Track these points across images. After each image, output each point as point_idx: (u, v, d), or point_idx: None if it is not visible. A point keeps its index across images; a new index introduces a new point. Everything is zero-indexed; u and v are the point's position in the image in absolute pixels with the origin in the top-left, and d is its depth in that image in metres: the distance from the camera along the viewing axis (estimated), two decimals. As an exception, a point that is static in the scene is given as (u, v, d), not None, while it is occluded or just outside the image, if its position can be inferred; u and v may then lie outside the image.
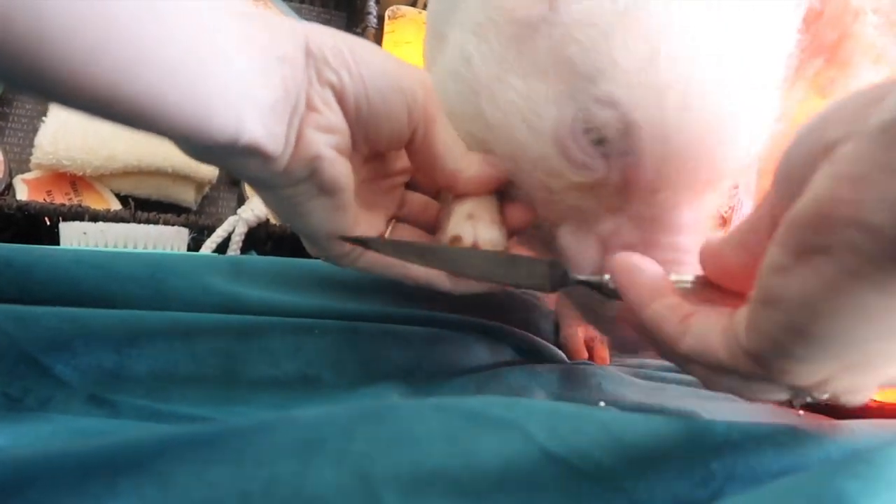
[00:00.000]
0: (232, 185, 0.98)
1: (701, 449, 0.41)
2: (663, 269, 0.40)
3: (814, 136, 0.30)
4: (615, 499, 0.37)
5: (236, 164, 0.38)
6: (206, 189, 0.95)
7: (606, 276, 0.40)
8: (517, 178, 0.46)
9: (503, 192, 0.48)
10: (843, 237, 0.27)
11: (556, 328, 0.75)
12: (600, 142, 0.41)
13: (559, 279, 0.42)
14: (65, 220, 0.76)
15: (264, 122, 0.36)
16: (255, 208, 0.80)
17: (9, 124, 0.96)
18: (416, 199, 0.50)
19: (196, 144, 0.37)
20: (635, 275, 0.38)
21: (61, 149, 0.85)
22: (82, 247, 0.74)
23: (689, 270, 0.42)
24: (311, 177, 0.39)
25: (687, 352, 0.36)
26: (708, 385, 0.38)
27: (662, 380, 0.66)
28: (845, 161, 0.28)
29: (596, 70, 0.40)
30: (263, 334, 0.51)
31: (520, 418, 0.39)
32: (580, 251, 0.44)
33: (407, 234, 0.49)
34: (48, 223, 0.78)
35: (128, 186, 0.91)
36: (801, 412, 0.63)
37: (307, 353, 0.51)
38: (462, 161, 0.45)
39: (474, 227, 0.45)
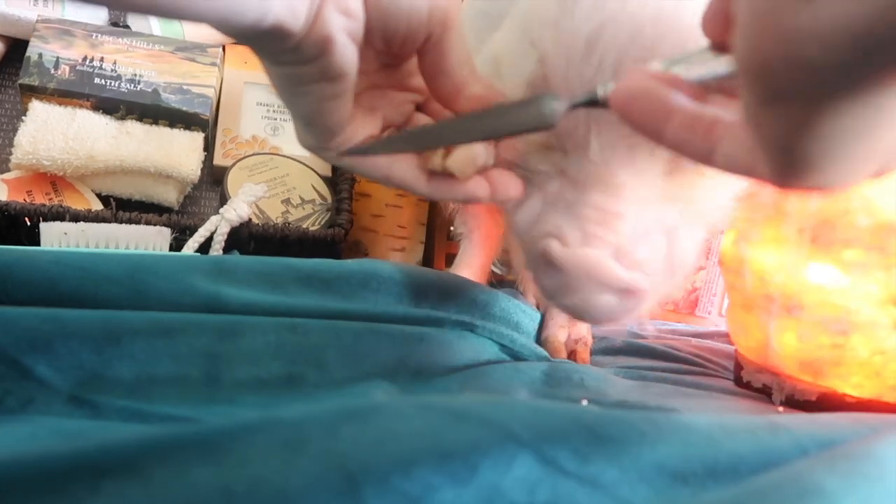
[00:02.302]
0: (214, 184, 0.98)
1: (682, 445, 0.41)
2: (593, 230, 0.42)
3: None
4: (597, 495, 0.37)
5: (255, 40, 0.39)
6: (189, 189, 0.94)
7: (600, 90, 0.39)
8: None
9: None
10: (789, 79, 0.27)
11: (539, 328, 0.75)
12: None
13: (554, 112, 0.41)
14: (45, 220, 0.75)
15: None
16: (237, 208, 0.80)
17: (-12, 124, 0.96)
18: (423, 122, 0.49)
19: (224, 28, 0.37)
20: (635, 104, 0.35)
21: (41, 149, 0.84)
22: (63, 247, 0.73)
23: (617, 237, 0.44)
24: (319, 58, 0.39)
25: (723, 167, 0.34)
26: None
27: (644, 378, 0.67)
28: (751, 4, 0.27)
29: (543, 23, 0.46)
30: (246, 334, 0.50)
31: (503, 416, 0.39)
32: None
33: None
34: (28, 223, 0.77)
35: (109, 186, 0.90)
36: (781, 408, 0.64)
37: (290, 352, 0.51)
38: (470, 76, 0.45)
39: None
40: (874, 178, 0.31)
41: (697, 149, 0.34)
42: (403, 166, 0.46)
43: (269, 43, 0.38)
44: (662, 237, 0.47)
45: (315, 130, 0.44)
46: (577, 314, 0.48)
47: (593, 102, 0.40)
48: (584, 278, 0.45)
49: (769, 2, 0.26)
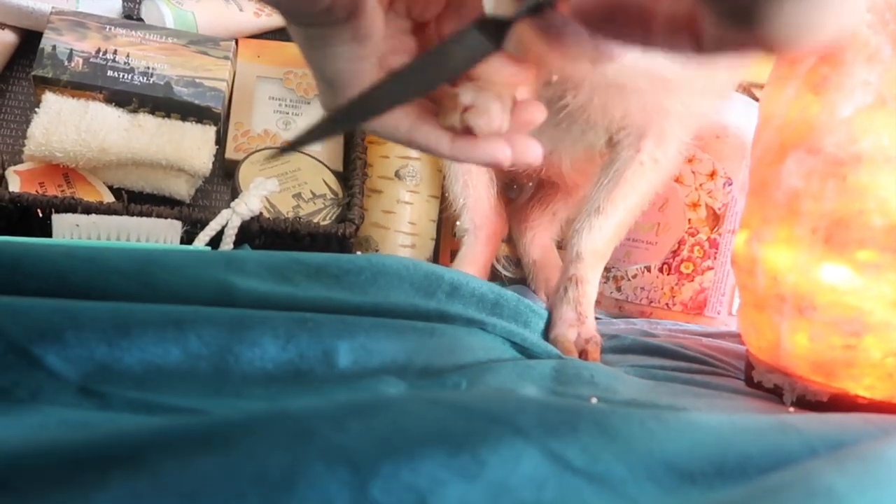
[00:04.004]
0: (226, 178, 0.98)
1: (691, 444, 0.41)
2: None
3: None
4: (604, 493, 0.37)
5: (288, 2, 0.39)
6: (200, 182, 0.95)
7: None
8: None
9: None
10: None
11: (547, 327, 0.75)
12: None
13: (497, 27, 0.40)
14: (57, 211, 0.76)
15: None
16: (248, 202, 0.80)
17: (1, 116, 0.96)
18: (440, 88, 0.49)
19: None
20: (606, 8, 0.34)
21: (54, 140, 0.85)
22: (74, 239, 0.74)
23: None
24: (349, 19, 0.40)
25: (713, 51, 0.31)
26: None
27: (654, 377, 0.67)
28: None
29: None
30: (256, 327, 0.50)
31: (512, 413, 0.39)
32: None
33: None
34: (40, 215, 0.78)
35: (121, 179, 0.90)
36: (792, 409, 0.64)
37: (299, 346, 0.51)
38: None
39: (476, 92, 0.44)
40: (825, 41, 0.28)
41: (686, 41, 0.32)
42: (426, 129, 0.46)
43: (304, 4, 0.39)
44: None
45: (339, 93, 0.44)
46: None
47: (542, 5, 0.38)
48: None
49: None
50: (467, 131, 0.45)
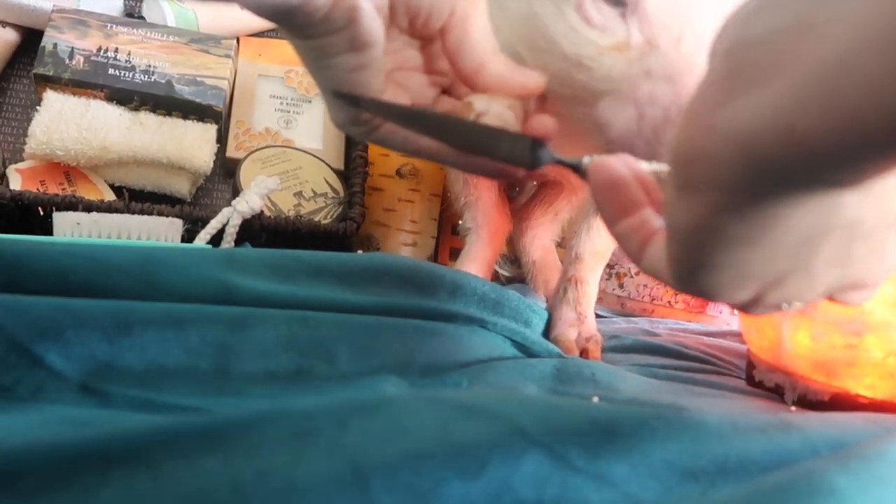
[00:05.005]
0: (227, 176, 0.98)
1: (693, 443, 0.41)
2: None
3: None
4: (606, 492, 0.37)
5: (286, 14, 0.39)
6: (201, 180, 0.94)
7: (586, 159, 0.40)
8: (547, 75, 0.48)
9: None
10: (700, 172, 0.29)
11: (547, 327, 0.75)
12: (617, 2, 0.46)
13: (539, 156, 0.42)
14: (58, 210, 0.76)
15: None
16: (249, 200, 0.80)
17: (2, 114, 0.96)
18: (447, 103, 0.49)
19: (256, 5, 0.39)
20: (608, 192, 0.38)
21: (55, 139, 0.85)
22: (75, 237, 0.73)
23: None
24: (346, 28, 0.40)
25: (645, 270, 0.38)
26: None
27: (655, 376, 0.67)
28: (694, 94, 0.30)
29: None
30: (257, 326, 0.50)
31: (513, 412, 0.39)
32: (618, 117, 0.46)
33: None
34: (41, 213, 0.78)
35: (122, 177, 0.90)
36: (793, 408, 0.64)
37: (300, 345, 0.51)
38: (491, 55, 0.46)
39: (489, 100, 0.45)
40: (748, 304, 0.35)
41: (632, 248, 0.38)
42: (433, 143, 0.46)
43: (300, 15, 0.39)
44: None
45: (345, 104, 0.45)
46: None
47: (575, 167, 0.40)
48: None
49: (704, 99, 0.29)
50: None
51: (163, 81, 0.93)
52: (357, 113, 0.45)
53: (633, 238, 0.37)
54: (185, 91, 0.93)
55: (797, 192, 0.28)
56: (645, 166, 0.38)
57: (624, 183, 0.37)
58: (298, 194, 0.92)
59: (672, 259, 0.34)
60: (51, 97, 0.89)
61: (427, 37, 0.46)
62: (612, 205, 0.38)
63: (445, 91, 0.49)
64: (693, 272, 0.33)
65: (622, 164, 0.38)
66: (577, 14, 0.47)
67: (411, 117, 0.45)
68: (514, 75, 0.46)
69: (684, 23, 0.45)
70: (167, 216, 0.78)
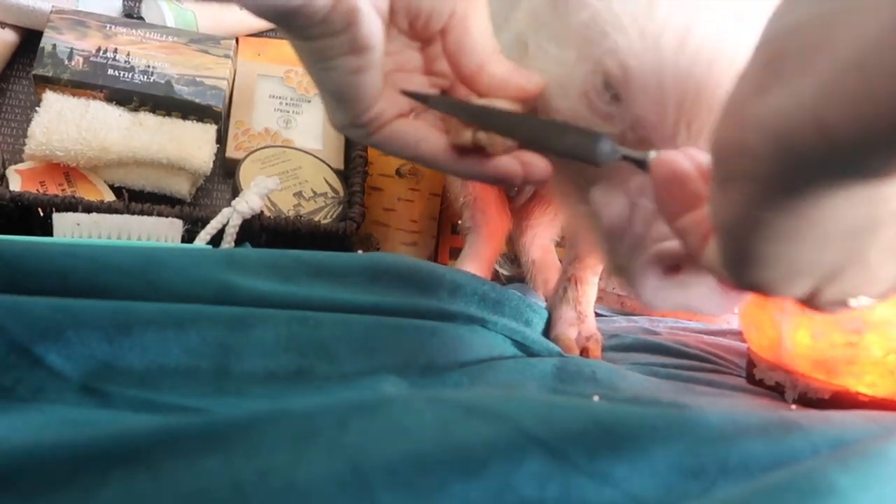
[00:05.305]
0: (226, 176, 0.98)
1: (693, 442, 0.41)
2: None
3: None
4: (607, 491, 0.37)
5: (286, 16, 0.40)
6: (201, 180, 0.94)
7: (652, 154, 0.40)
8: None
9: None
10: (738, 165, 0.29)
11: (547, 326, 0.75)
12: (617, 96, 0.45)
13: (606, 152, 0.42)
14: (58, 210, 0.76)
15: None
16: (249, 200, 0.80)
17: (1, 115, 0.96)
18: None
19: (257, 7, 0.39)
20: (671, 187, 0.38)
21: (55, 139, 0.85)
22: (75, 238, 0.73)
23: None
24: (346, 30, 0.40)
25: (704, 265, 0.37)
26: None
27: (656, 375, 0.67)
28: (732, 88, 0.30)
29: (604, 27, 0.45)
30: (257, 326, 0.50)
31: (514, 411, 0.39)
32: (609, 206, 0.45)
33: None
34: (41, 214, 0.78)
35: (121, 177, 0.90)
36: (794, 406, 0.64)
37: (300, 344, 0.51)
38: (492, 56, 0.45)
39: (489, 102, 0.46)
40: (810, 299, 0.34)
41: (694, 243, 0.37)
42: (433, 142, 0.46)
43: (300, 17, 0.39)
44: None
45: (345, 106, 0.45)
46: (690, 308, 0.45)
47: (640, 162, 0.40)
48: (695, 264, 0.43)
49: (741, 91, 0.30)
50: (478, 148, 0.45)
51: (162, 82, 0.93)
52: (356, 115, 0.45)
53: (694, 233, 0.37)
54: (184, 91, 0.93)
55: (832, 183, 0.28)
56: (708, 159, 0.38)
57: (687, 178, 0.37)
58: (298, 194, 0.92)
59: (722, 253, 0.34)
60: (50, 98, 0.89)
61: (427, 38, 0.46)
62: (675, 199, 0.38)
63: (445, 92, 0.49)
64: (742, 266, 0.33)
65: (685, 158, 0.38)
66: (583, 104, 0.47)
67: (476, 112, 0.45)
68: (514, 76, 0.46)
69: (677, 114, 0.44)
70: (167, 216, 0.78)
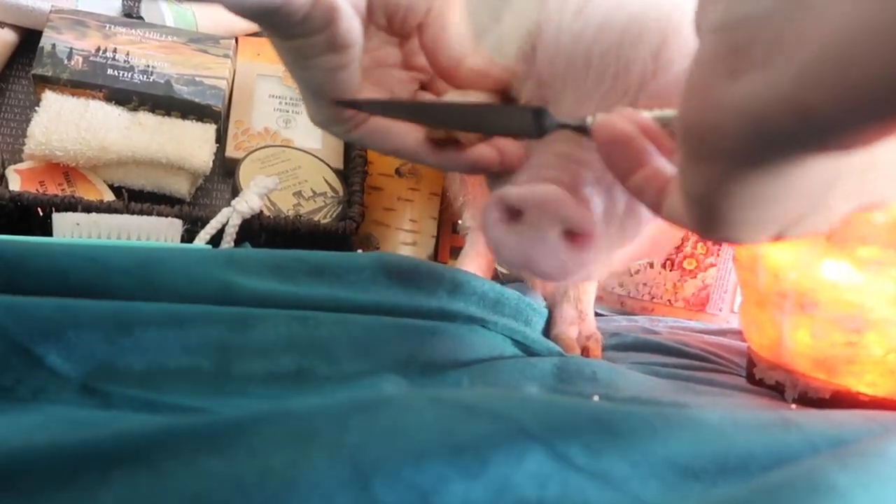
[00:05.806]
0: (226, 176, 0.98)
1: (694, 441, 0.41)
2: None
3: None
4: (607, 490, 0.37)
5: (266, 15, 0.40)
6: (200, 180, 0.94)
7: (589, 119, 0.40)
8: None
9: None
10: (709, 144, 0.30)
11: (547, 326, 0.75)
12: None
13: (544, 123, 0.43)
14: (57, 210, 0.76)
15: None
16: (248, 200, 0.80)
17: (1, 114, 0.96)
18: (426, 98, 0.50)
19: (236, 6, 0.39)
20: (614, 148, 0.38)
21: (54, 139, 0.85)
22: (75, 238, 0.73)
23: (575, 181, 0.44)
24: (326, 28, 0.40)
25: (665, 218, 0.38)
26: None
27: (656, 374, 0.67)
28: (691, 65, 0.31)
29: None
30: (257, 326, 0.50)
31: (514, 410, 0.39)
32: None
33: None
34: (41, 214, 0.78)
35: (121, 177, 0.90)
36: (794, 406, 0.64)
37: (301, 344, 0.51)
38: (468, 50, 0.46)
39: (466, 95, 0.47)
40: (774, 239, 0.36)
41: (650, 199, 0.38)
42: (411, 137, 0.47)
43: (280, 16, 0.39)
44: (624, 196, 0.46)
45: (324, 104, 0.45)
46: (529, 264, 0.46)
47: (580, 129, 0.41)
48: (536, 212, 0.44)
49: (707, 74, 0.30)
50: (453, 139, 0.46)
51: (161, 81, 0.93)
52: (336, 112, 0.45)
53: (648, 189, 0.38)
54: (183, 91, 0.93)
55: (805, 155, 0.29)
56: (647, 115, 0.39)
57: (629, 137, 0.38)
58: (298, 194, 0.92)
59: (691, 216, 0.35)
60: (49, 98, 0.89)
61: (405, 34, 0.46)
62: (621, 160, 0.39)
63: (424, 87, 0.50)
64: (712, 226, 0.34)
65: (624, 119, 0.38)
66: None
67: (411, 110, 0.46)
68: (492, 69, 0.47)
69: (565, 75, 0.46)
70: (167, 216, 0.78)
